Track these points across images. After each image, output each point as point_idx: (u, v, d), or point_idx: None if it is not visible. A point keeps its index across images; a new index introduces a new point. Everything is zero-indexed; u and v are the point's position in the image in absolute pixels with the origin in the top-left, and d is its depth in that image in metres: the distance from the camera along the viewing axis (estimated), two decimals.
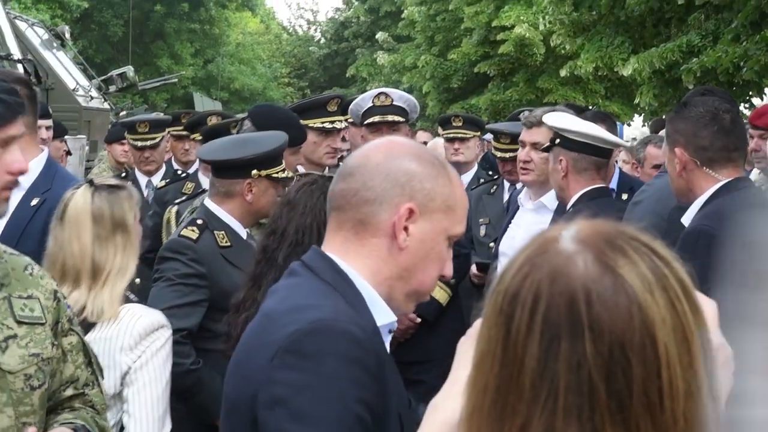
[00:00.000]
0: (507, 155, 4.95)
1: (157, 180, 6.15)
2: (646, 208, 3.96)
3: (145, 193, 6.09)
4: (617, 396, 1.01)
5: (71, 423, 2.16)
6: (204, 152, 3.72)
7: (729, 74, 9.54)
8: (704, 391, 1.02)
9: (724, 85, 9.61)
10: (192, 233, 3.44)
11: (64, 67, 13.21)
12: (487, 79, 20.02)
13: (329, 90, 30.18)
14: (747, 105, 11.57)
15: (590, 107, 13.74)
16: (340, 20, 36.51)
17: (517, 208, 4.47)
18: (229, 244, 3.47)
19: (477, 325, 1.16)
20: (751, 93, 11.16)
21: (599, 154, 3.76)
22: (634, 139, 15.97)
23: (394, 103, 4.94)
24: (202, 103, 23.57)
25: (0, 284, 2.08)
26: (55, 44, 13.89)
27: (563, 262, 1.06)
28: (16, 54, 11.13)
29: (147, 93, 25.77)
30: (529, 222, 4.23)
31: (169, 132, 6.51)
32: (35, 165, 3.48)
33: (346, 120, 4.81)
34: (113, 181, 2.93)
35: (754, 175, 5.25)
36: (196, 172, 5.63)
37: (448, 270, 1.82)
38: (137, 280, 4.92)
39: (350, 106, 5.01)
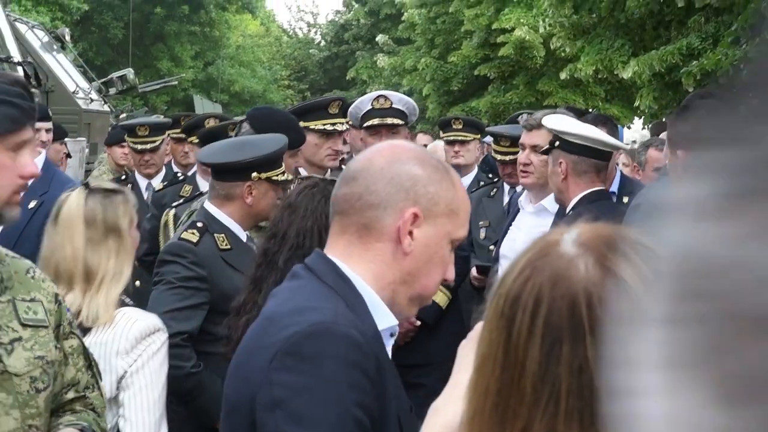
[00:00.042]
0: (507, 158, 4.95)
1: (157, 183, 6.15)
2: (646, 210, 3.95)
3: (145, 196, 6.08)
4: None
5: (77, 424, 2.18)
6: (204, 155, 3.72)
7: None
8: None
9: None
10: (192, 236, 3.44)
11: (64, 69, 13.21)
12: (487, 82, 20.02)
13: (329, 93, 30.16)
14: None
15: (590, 110, 13.74)
16: (341, 23, 36.50)
17: (518, 210, 4.47)
18: (229, 247, 3.46)
19: (478, 328, 1.16)
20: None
21: (599, 156, 3.76)
22: (634, 141, 15.98)
23: (393, 105, 4.94)
24: (203, 105, 23.57)
25: (4, 287, 2.09)
26: (55, 47, 13.88)
27: (564, 265, 1.06)
28: (16, 56, 11.12)
29: (147, 95, 25.76)
30: (530, 225, 4.23)
31: (169, 135, 6.51)
32: None
33: (347, 122, 4.81)
34: (110, 185, 2.92)
35: None
36: (194, 174, 5.62)
37: (451, 273, 1.83)
38: (137, 283, 4.93)
39: (349, 109, 5.01)
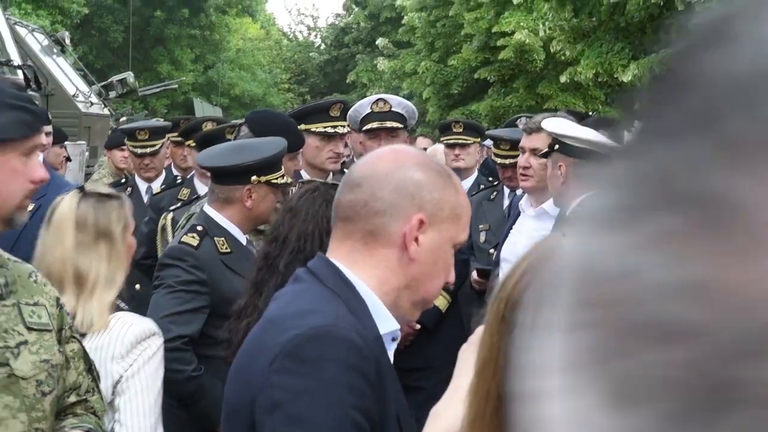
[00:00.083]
0: (507, 161, 4.95)
1: (158, 186, 6.14)
2: None
3: (145, 200, 6.08)
4: None
5: (82, 426, 2.19)
6: (203, 159, 3.72)
7: None
8: None
9: None
10: (192, 240, 3.44)
11: (64, 73, 13.21)
12: (487, 85, 20.02)
13: (329, 96, 30.18)
14: None
15: (590, 113, 13.74)
16: (341, 26, 36.54)
17: (518, 214, 4.47)
18: (229, 250, 3.46)
19: (479, 332, 1.16)
20: None
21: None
22: None
23: (393, 109, 4.94)
24: (203, 109, 23.55)
25: (9, 291, 2.09)
26: (55, 50, 13.89)
27: None
28: (16, 60, 11.13)
29: (147, 99, 25.82)
30: (531, 228, 4.23)
31: (168, 138, 6.51)
32: None
33: (348, 125, 4.81)
34: (105, 190, 2.89)
35: None
36: (191, 177, 5.62)
37: (452, 276, 1.84)
38: (137, 286, 4.93)
39: (349, 113, 5.01)
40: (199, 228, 3.48)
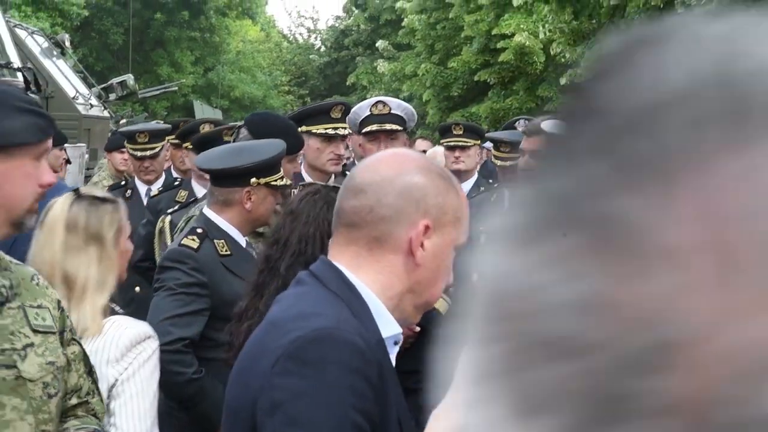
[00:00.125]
0: (507, 163, 4.96)
1: (157, 189, 6.14)
2: None
3: (145, 202, 6.08)
4: None
5: (86, 427, 2.19)
6: (202, 161, 3.71)
7: None
8: None
9: None
10: (192, 242, 3.43)
11: (64, 75, 13.22)
12: (487, 88, 20.03)
13: (329, 98, 30.17)
14: None
15: None
16: (341, 28, 36.56)
17: None
18: (229, 252, 3.46)
19: None
20: None
21: None
22: None
23: (392, 111, 4.93)
24: (203, 111, 23.57)
25: (14, 294, 2.10)
26: (55, 52, 13.90)
27: None
28: (16, 62, 11.13)
29: (147, 101, 25.81)
30: None
31: (168, 141, 6.51)
32: None
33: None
34: (101, 194, 2.88)
35: None
36: (189, 180, 5.61)
37: (452, 278, 1.84)
38: (137, 289, 4.92)
39: (348, 115, 5.01)
40: (199, 230, 3.48)
